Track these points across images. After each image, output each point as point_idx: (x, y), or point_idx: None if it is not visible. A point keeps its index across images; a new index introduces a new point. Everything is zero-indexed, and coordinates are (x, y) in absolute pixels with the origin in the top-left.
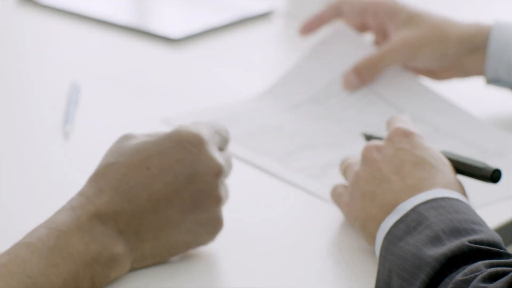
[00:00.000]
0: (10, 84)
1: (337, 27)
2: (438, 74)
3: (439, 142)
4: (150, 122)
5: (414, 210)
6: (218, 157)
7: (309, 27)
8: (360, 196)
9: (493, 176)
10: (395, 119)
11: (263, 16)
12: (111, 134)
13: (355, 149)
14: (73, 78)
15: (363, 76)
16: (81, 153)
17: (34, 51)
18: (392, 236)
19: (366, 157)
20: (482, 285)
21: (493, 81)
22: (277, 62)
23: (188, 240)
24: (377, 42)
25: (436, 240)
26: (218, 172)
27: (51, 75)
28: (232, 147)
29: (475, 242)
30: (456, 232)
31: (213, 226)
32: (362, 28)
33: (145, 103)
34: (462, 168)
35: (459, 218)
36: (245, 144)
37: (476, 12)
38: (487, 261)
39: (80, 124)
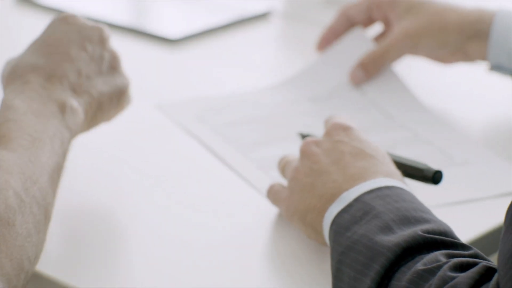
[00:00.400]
0: None
1: (354, 31)
2: (442, 59)
3: (417, 147)
4: (149, 122)
5: (358, 199)
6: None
7: (325, 41)
8: (299, 190)
9: (435, 177)
10: (332, 117)
11: (262, 17)
12: (110, 133)
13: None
14: None
15: (369, 70)
16: (80, 152)
17: None
18: (338, 226)
19: (305, 151)
20: (453, 274)
21: (496, 67)
22: (276, 62)
23: (111, 92)
24: (382, 36)
25: (386, 229)
26: (104, 32)
27: None
28: (202, 133)
29: (428, 231)
30: (406, 221)
31: (121, 78)
32: (371, 23)
33: (144, 103)
34: (405, 169)
35: (407, 207)
36: (220, 131)
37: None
38: (444, 251)
39: None
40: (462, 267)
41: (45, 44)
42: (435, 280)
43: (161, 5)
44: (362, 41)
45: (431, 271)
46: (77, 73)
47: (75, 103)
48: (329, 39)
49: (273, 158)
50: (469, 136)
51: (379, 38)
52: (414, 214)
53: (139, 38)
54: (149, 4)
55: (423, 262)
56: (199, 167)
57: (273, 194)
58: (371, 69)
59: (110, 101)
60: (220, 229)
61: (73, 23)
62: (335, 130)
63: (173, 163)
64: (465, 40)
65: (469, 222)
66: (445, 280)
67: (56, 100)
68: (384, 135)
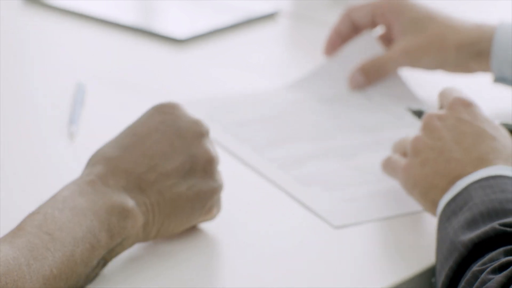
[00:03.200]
0: (16, 85)
1: (364, 35)
2: (443, 72)
3: None
4: None
5: (466, 188)
6: (196, 117)
7: (331, 45)
8: (420, 163)
9: None
10: (450, 89)
11: (268, 17)
12: (116, 134)
13: (334, 144)
14: (78, 78)
15: (369, 76)
16: (87, 154)
17: (39, 52)
18: (443, 215)
19: (428, 124)
20: (489, 276)
21: (500, 79)
22: (282, 62)
23: (191, 197)
24: (384, 37)
25: (472, 223)
26: (201, 128)
27: (57, 75)
28: (215, 132)
29: (505, 224)
30: (494, 213)
31: (211, 181)
32: (374, 26)
33: (150, 103)
34: None
35: (502, 198)
36: (232, 130)
37: (478, 10)
38: (508, 247)
39: (85, 125)
40: (508, 265)
41: (131, 134)
42: (477, 283)
43: (168, 5)
44: (371, 46)
45: (482, 272)
46: (151, 169)
47: (131, 204)
48: (334, 42)
49: (290, 158)
50: None
51: (381, 38)
52: (505, 206)
53: (147, 38)
54: (156, 4)
55: (482, 262)
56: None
57: (390, 163)
58: (372, 76)
59: (190, 206)
60: (245, 229)
61: (170, 113)
62: (457, 106)
63: None
64: (464, 59)
65: None
66: (484, 282)
67: (109, 198)
68: (396, 131)
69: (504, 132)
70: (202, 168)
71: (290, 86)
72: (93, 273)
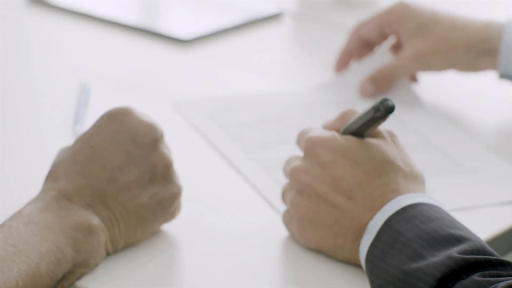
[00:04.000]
0: (20, 85)
1: (377, 52)
2: (452, 72)
3: (426, 152)
4: (160, 122)
5: (387, 224)
6: (151, 120)
7: (341, 63)
8: (310, 225)
9: (386, 106)
10: (303, 131)
11: (273, 18)
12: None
13: None
14: (82, 78)
15: (379, 85)
16: None
17: (44, 52)
18: (373, 257)
19: (296, 182)
20: None
21: (505, 76)
22: (286, 63)
23: (154, 206)
24: (395, 46)
25: (417, 257)
26: (155, 133)
27: (61, 75)
28: (210, 130)
29: (459, 252)
30: (436, 243)
31: (172, 186)
32: (384, 38)
33: (155, 103)
34: (361, 126)
35: (434, 227)
36: (229, 131)
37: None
38: (479, 274)
39: (89, 125)
40: None
41: (87, 146)
42: None
43: (173, 5)
44: (383, 58)
45: None
46: (112, 183)
47: (96, 221)
48: (345, 60)
49: (277, 160)
50: (478, 141)
51: (392, 48)
52: (442, 233)
53: (151, 39)
54: (160, 4)
55: None
56: (205, 165)
57: (285, 223)
58: (381, 84)
59: (153, 214)
60: (221, 227)
61: (123, 121)
62: (311, 148)
63: (180, 160)
64: (474, 58)
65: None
66: None
67: (74, 215)
68: (399, 138)
69: (369, 157)
70: (161, 175)
71: (297, 91)
72: (59, 286)
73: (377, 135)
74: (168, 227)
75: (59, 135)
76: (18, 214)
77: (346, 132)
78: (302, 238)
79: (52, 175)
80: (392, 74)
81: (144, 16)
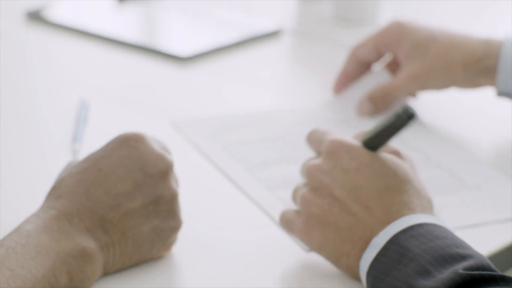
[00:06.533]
0: (19, 101)
1: (374, 71)
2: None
3: (428, 170)
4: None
5: (392, 241)
6: (162, 151)
7: (340, 85)
8: (318, 225)
9: (407, 113)
10: (319, 132)
11: (272, 35)
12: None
13: None
14: (82, 95)
15: (377, 104)
16: None
17: (43, 68)
18: (377, 272)
19: (312, 179)
20: None
21: (504, 93)
22: (286, 80)
23: (152, 237)
24: (391, 65)
25: (425, 273)
26: (166, 164)
27: (60, 92)
28: (212, 150)
29: (465, 268)
30: (443, 260)
31: (173, 220)
32: (381, 58)
33: (154, 121)
34: (382, 134)
35: (441, 245)
36: (231, 150)
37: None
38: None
39: (89, 142)
40: None
41: (96, 168)
42: None
43: (172, 23)
44: (381, 79)
45: None
46: (115, 209)
47: (93, 247)
48: (343, 82)
49: (280, 178)
50: (480, 158)
51: (388, 66)
52: (449, 251)
53: (150, 56)
54: (160, 22)
55: None
56: (206, 184)
57: (286, 222)
58: (380, 104)
59: (151, 244)
60: (224, 245)
61: (135, 148)
62: (335, 151)
63: (181, 179)
64: (472, 76)
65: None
66: None
67: (72, 239)
68: None
69: (395, 172)
70: (165, 208)
71: (297, 108)
72: None
73: (395, 153)
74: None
75: (58, 151)
76: (17, 233)
77: (367, 141)
78: (306, 236)
79: (55, 191)
80: (391, 94)
81: (143, 33)
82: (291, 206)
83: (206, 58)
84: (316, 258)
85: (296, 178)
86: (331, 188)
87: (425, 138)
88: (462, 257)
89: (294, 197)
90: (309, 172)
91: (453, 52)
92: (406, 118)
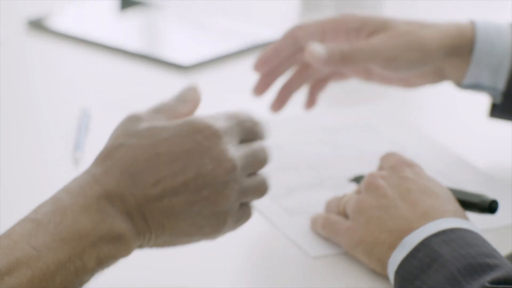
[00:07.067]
0: (20, 110)
1: None
2: (411, 80)
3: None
4: None
5: (424, 243)
6: (232, 152)
7: (263, 62)
8: (365, 221)
9: (491, 207)
10: (392, 153)
11: (273, 43)
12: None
13: (331, 173)
14: (83, 104)
15: (345, 59)
16: None
17: (44, 77)
18: (406, 272)
19: (371, 184)
20: None
21: (472, 85)
22: None
23: (191, 232)
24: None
25: (453, 281)
26: (229, 168)
27: (61, 101)
28: None
29: (493, 281)
30: (472, 270)
31: (217, 220)
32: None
33: None
34: (461, 199)
35: (472, 253)
36: None
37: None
38: None
39: (90, 151)
40: None
41: (153, 150)
42: None
43: (173, 31)
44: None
45: None
46: (160, 202)
47: (129, 233)
48: (268, 59)
49: (282, 186)
50: (479, 166)
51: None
52: (479, 261)
53: (152, 65)
54: (162, 30)
55: None
56: None
57: (330, 225)
58: (347, 59)
59: (186, 241)
60: (227, 254)
61: (200, 144)
62: (400, 166)
63: None
64: (444, 58)
65: None
66: None
67: (110, 223)
68: None
69: (447, 191)
70: (214, 203)
71: (299, 116)
72: None
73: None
74: (179, 273)
75: (60, 160)
76: (54, 206)
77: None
78: (350, 230)
79: (106, 160)
80: (354, 54)
81: (145, 42)
82: (294, 214)
83: (208, 67)
84: (321, 267)
85: (297, 187)
86: (385, 189)
87: (423, 144)
88: (491, 268)
89: (347, 203)
90: (370, 177)
91: (426, 30)
92: (487, 210)
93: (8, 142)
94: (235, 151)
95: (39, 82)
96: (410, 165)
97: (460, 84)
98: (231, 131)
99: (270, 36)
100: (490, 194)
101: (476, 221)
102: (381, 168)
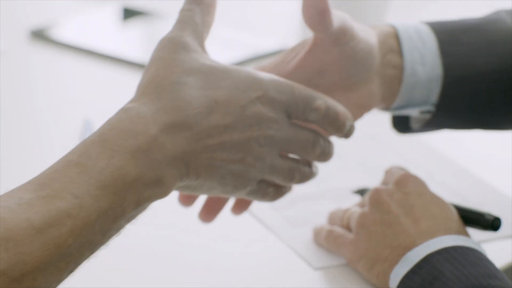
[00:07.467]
0: (23, 121)
1: None
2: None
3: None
4: None
5: (427, 260)
6: (276, 125)
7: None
8: (367, 236)
9: (493, 225)
10: (396, 168)
11: (276, 54)
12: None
13: (333, 185)
14: (85, 115)
15: (311, 17)
16: None
17: (47, 87)
18: None
19: (375, 198)
20: None
21: (401, 107)
22: None
23: (215, 186)
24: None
25: None
26: (268, 138)
27: (64, 112)
28: None
29: None
30: None
31: (241, 183)
32: None
33: None
34: (464, 216)
35: (475, 274)
36: None
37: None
38: None
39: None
40: None
41: (213, 97)
42: None
43: None
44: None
45: None
46: (206, 154)
47: (170, 178)
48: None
49: (285, 198)
50: (481, 177)
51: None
52: (482, 281)
53: None
54: None
55: None
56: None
57: (333, 238)
58: (314, 18)
59: (229, 190)
60: (231, 265)
61: (254, 105)
62: (404, 181)
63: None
64: (383, 60)
65: None
66: None
67: (155, 169)
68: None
69: (451, 207)
70: (255, 169)
71: None
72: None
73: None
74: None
75: None
76: (102, 143)
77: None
78: (352, 244)
79: (162, 96)
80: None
81: (147, 52)
82: (297, 225)
83: None
84: (324, 278)
85: (300, 197)
86: (389, 204)
87: (426, 156)
88: None
89: (350, 219)
90: (375, 192)
91: (367, 30)
92: (490, 227)
93: (10, 152)
94: (281, 125)
95: (41, 92)
96: (415, 180)
97: (385, 107)
98: (283, 104)
99: (272, 46)
100: (493, 205)
101: (479, 232)
102: (385, 182)
